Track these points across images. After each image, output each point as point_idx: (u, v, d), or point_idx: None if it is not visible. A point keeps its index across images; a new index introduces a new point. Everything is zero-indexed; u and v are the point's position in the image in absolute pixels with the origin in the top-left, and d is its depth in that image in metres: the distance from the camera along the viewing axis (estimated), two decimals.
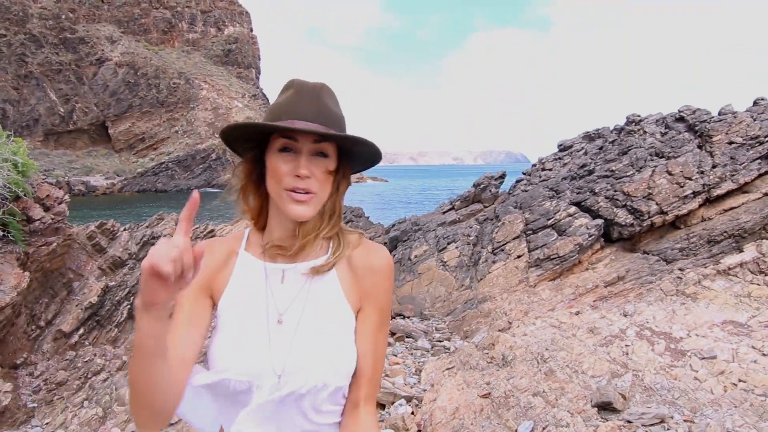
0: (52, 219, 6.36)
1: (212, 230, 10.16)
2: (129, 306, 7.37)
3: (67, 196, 6.94)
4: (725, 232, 10.02)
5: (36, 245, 6.03)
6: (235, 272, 1.17)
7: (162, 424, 1.00)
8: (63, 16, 59.64)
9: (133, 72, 63.05)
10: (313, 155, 1.09)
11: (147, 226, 9.16)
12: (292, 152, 1.08)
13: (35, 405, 5.13)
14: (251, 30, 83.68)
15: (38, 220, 6.11)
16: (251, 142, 1.14)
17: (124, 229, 8.52)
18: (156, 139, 63.70)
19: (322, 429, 1.15)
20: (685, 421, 4.26)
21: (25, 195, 5.56)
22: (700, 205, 10.71)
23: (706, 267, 9.38)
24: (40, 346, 5.99)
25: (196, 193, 0.88)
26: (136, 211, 35.61)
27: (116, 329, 6.94)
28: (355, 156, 1.18)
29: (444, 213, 15.18)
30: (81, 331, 6.46)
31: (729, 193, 10.68)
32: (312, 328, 1.13)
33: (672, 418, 4.34)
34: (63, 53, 58.68)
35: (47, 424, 5.02)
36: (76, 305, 6.62)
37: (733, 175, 10.63)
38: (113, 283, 7.29)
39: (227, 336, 1.12)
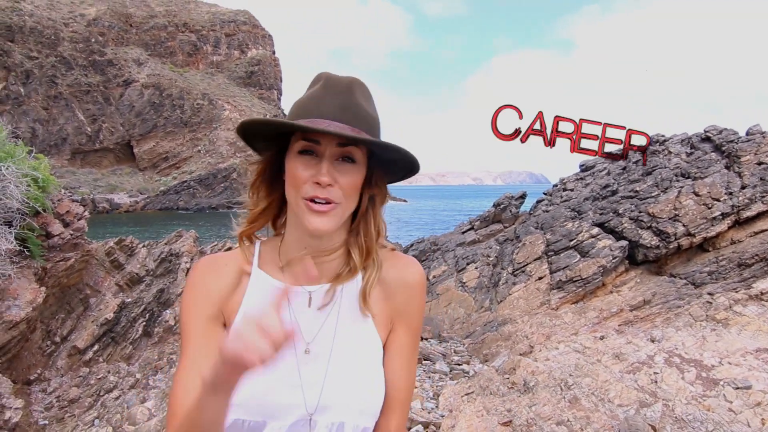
0: (71, 235, 6.37)
1: (230, 248, 10.13)
2: (144, 323, 7.32)
3: (86, 212, 6.98)
4: (756, 255, 9.66)
5: (54, 260, 6.03)
6: (249, 294, 1.03)
7: None
8: (93, 40, 61.55)
9: (159, 93, 64.56)
10: (337, 160, 0.95)
11: (165, 243, 9.17)
12: (313, 155, 0.95)
13: (46, 422, 5.06)
14: (273, 52, 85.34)
15: (57, 235, 6.13)
16: (270, 141, 1.01)
17: (143, 246, 8.53)
18: (179, 158, 64.83)
19: None
20: None
21: (44, 210, 5.57)
22: (730, 227, 10.37)
23: (737, 291, 9.02)
24: (54, 362, 5.95)
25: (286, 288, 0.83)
26: (157, 229, 36.04)
27: (131, 346, 6.89)
28: (388, 164, 1.02)
29: (463, 233, 15.00)
30: (96, 347, 6.42)
31: (759, 215, 10.33)
32: (345, 360, 1.01)
33: None
34: (92, 75, 60.39)
35: None
36: (92, 321, 6.59)
37: (764, 197, 10.29)
38: (129, 299, 7.27)
39: None
